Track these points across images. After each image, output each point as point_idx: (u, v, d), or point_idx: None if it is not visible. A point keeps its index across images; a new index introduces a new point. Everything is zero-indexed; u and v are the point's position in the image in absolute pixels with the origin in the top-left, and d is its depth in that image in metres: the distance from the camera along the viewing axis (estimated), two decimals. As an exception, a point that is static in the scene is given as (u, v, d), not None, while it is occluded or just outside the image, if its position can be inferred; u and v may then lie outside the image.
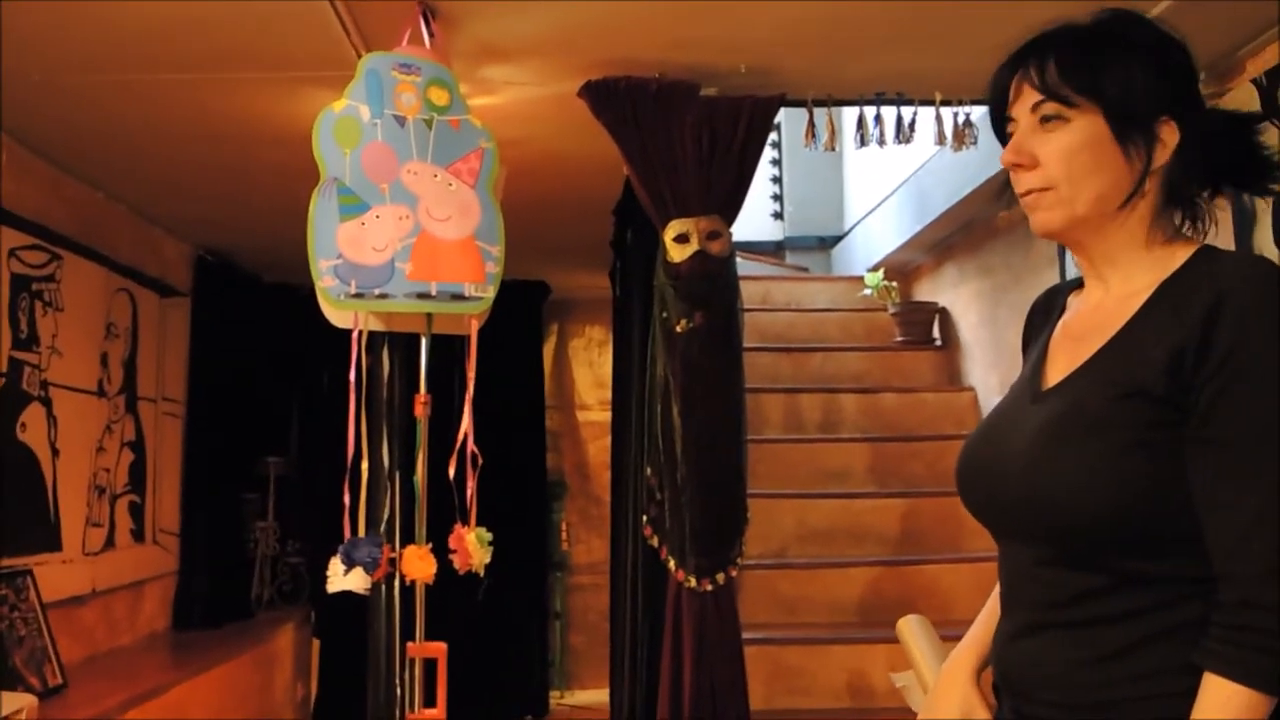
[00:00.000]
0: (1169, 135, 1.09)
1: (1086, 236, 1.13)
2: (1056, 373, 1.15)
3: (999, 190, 1.23)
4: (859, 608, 3.49)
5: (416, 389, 2.21)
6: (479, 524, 2.14)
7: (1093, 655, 1.05)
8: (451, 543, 2.07)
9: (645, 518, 2.80)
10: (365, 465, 2.05)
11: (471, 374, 2.12)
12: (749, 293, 4.66)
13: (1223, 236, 2.65)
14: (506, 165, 2.25)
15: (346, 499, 2.04)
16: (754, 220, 6.09)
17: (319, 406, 4.75)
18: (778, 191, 6.47)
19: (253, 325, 4.55)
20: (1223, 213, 2.67)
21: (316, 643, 4.92)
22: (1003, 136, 1.19)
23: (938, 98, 2.75)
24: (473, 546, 2.05)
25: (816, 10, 2.33)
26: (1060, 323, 1.22)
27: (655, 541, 2.74)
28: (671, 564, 2.66)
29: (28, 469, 3.09)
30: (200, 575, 4.16)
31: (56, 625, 3.06)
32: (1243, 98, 2.53)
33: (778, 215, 6.47)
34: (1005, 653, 1.16)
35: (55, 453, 3.21)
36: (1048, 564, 1.09)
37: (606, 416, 4.51)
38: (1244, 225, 2.55)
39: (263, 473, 4.76)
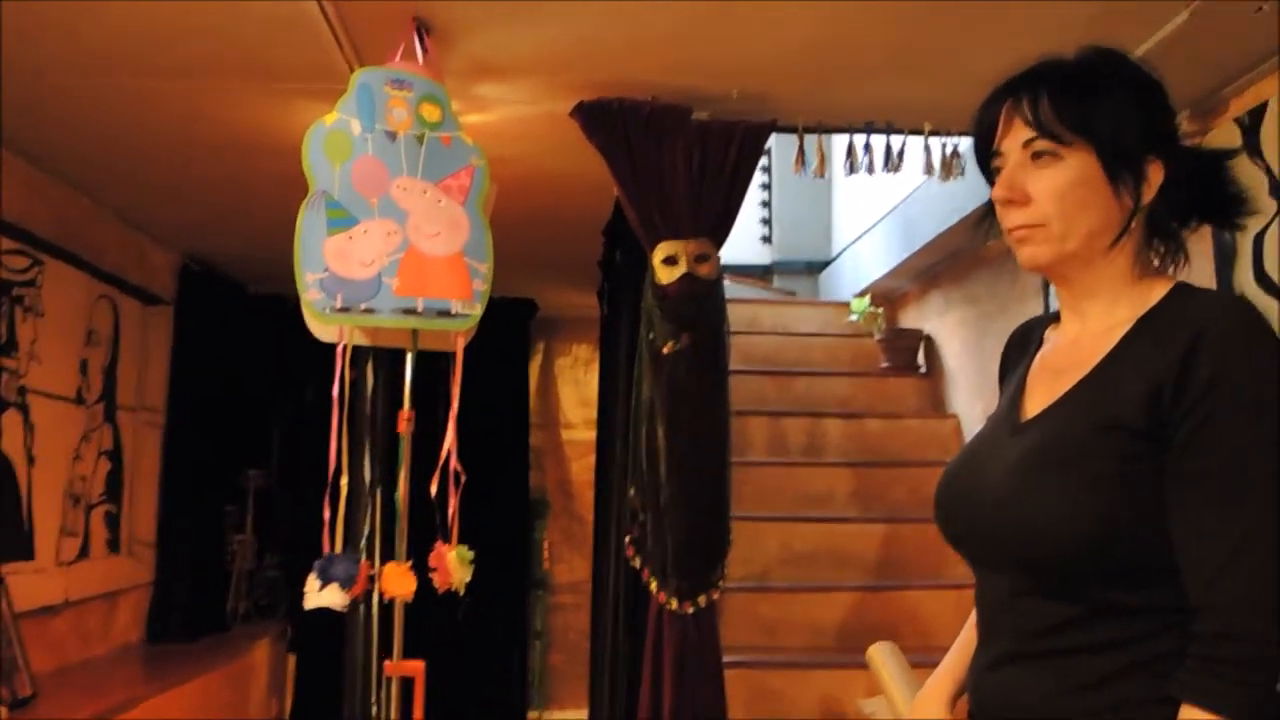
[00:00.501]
0: (1155, 173, 1.11)
1: (1073, 271, 1.14)
2: (1035, 405, 1.16)
3: (977, 220, 1.25)
4: (840, 632, 3.48)
5: (401, 405, 2.20)
6: (460, 542, 2.13)
7: (1071, 685, 1.06)
8: (432, 561, 2.05)
9: (628, 538, 2.79)
10: (345, 481, 2.03)
11: (456, 390, 2.11)
12: (736, 315, 4.67)
13: (1203, 273, 2.68)
14: (497, 183, 2.25)
15: (327, 514, 2.02)
16: (743, 243, 6.12)
17: (302, 419, 4.72)
18: (767, 215, 6.50)
19: (236, 336, 4.52)
20: (1203, 244, 2.70)
21: (292, 658, 4.87)
22: (987, 169, 1.20)
23: (927, 128, 2.77)
24: (453, 565, 2.04)
25: (809, 38, 2.35)
26: (1038, 356, 1.23)
27: (637, 563, 2.73)
28: (653, 585, 2.65)
29: (2, 476, 3.06)
30: (176, 587, 4.11)
31: (28, 635, 3.02)
32: (1225, 136, 2.56)
33: (766, 239, 6.50)
34: (982, 682, 1.17)
35: (31, 460, 3.18)
36: (1026, 594, 1.10)
37: (591, 435, 4.50)
38: (1224, 262, 2.57)
39: (243, 485, 4.72)
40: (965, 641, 1.28)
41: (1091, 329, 1.14)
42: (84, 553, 3.53)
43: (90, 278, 3.54)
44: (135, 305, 3.89)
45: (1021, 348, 1.28)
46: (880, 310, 4.90)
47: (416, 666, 2.12)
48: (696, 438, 2.66)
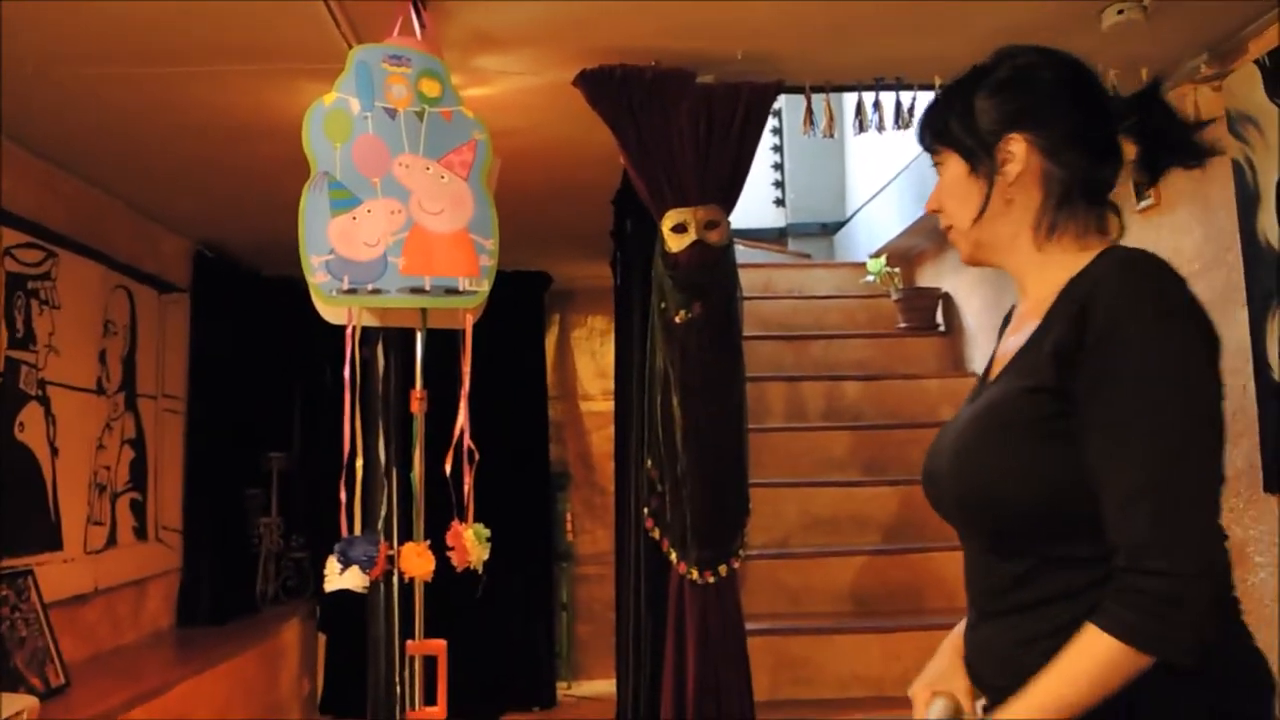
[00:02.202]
0: (1016, 147, 1.20)
1: (993, 256, 1.27)
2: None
3: None
4: (864, 596, 3.47)
5: (414, 384, 2.19)
6: (480, 518, 2.12)
7: (1029, 637, 1.12)
8: (449, 540, 2.05)
9: (646, 510, 2.78)
10: (360, 463, 2.02)
11: (467, 368, 2.09)
12: (751, 280, 4.61)
13: (1226, 219, 2.62)
14: (502, 155, 2.22)
15: (343, 496, 2.02)
16: (756, 207, 6.06)
17: (321, 401, 4.73)
18: (779, 178, 6.43)
19: (253, 320, 4.53)
20: (1225, 191, 2.63)
21: (322, 637, 4.92)
22: None
23: (937, 82, 2.71)
24: (470, 543, 2.03)
25: (813, -5, 2.30)
26: (1005, 331, 1.33)
27: (657, 534, 2.73)
28: (673, 556, 2.65)
29: (27, 469, 3.08)
30: (204, 571, 4.15)
31: (59, 625, 3.05)
32: (1245, 78, 2.49)
33: (779, 202, 6.43)
34: (967, 641, 1.25)
35: (54, 452, 3.20)
36: (985, 554, 1.19)
37: (609, 406, 4.49)
38: (1247, 207, 2.52)
39: (266, 468, 4.75)
40: None
41: (1031, 300, 1.22)
42: (112, 541, 3.57)
43: (105, 268, 3.54)
44: (151, 294, 3.90)
45: (1006, 322, 1.37)
46: (897, 270, 4.85)
47: (438, 645, 2.12)
48: (712, 406, 2.64)
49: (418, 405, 2.11)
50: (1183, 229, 2.89)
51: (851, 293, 5.16)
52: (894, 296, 4.83)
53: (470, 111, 2.08)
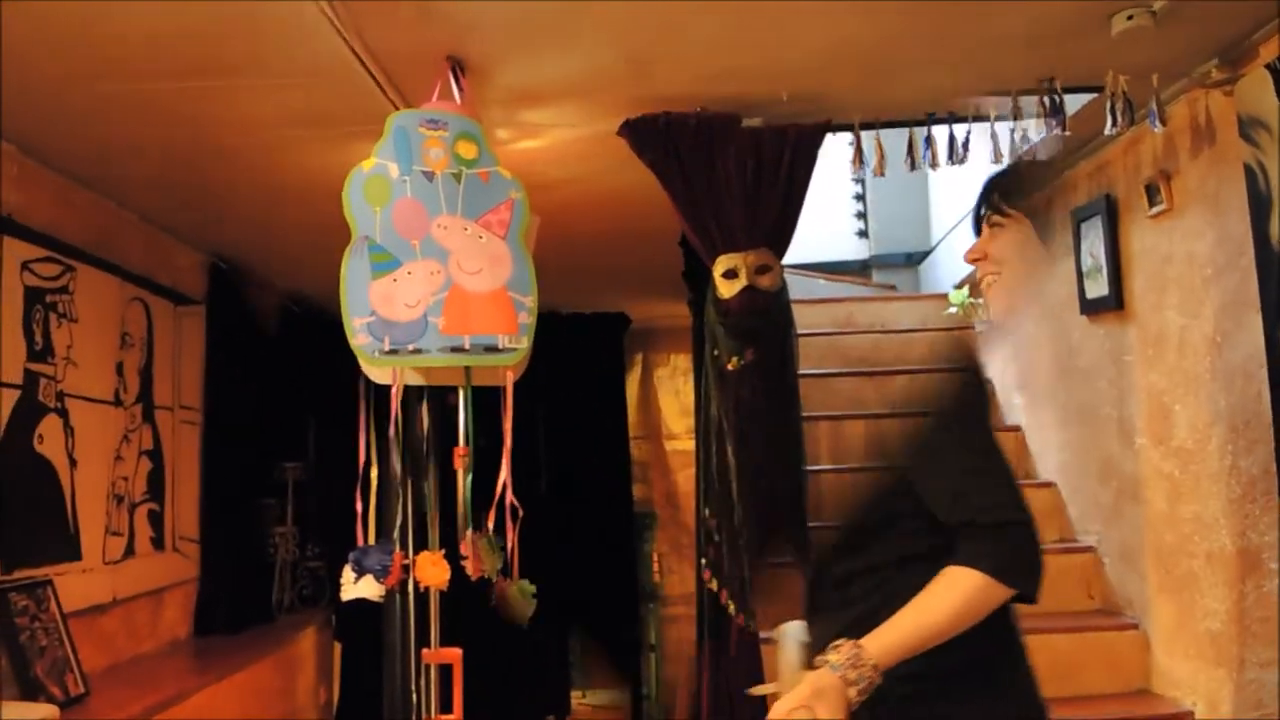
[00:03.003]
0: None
1: (1013, 321, 1.89)
2: None
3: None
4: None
5: (467, 434, 2.51)
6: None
7: (847, 626, 1.57)
8: (462, 549, 2.34)
9: (704, 560, 3.02)
10: (375, 473, 2.31)
11: (508, 425, 2.39)
12: (833, 315, 4.85)
13: (1239, 221, 2.85)
14: (562, 203, 2.46)
15: (359, 506, 2.32)
16: (838, 240, 6.47)
17: (336, 411, 5.14)
18: (862, 209, 6.77)
19: (268, 332, 4.96)
20: (1238, 198, 2.93)
21: (338, 646, 5.41)
22: None
23: (992, 114, 2.95)
24: (484, 553, 2.33)
25: (854, 33, 2.54)
26: None
27: (715, 585, 2.98)
28: (731, 608, 2.90)
29: (46, 480, 3.45)
30: (221, 581, 4.58)
31: (78, 634, 3.42)
32: (1256, 83, 2.69)
33: (862, 233, 6.78)
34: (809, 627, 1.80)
35: (73, 463, 3.57)
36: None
37: (694, 445, 4.83)
38: (1260, 213, 2.72)
39: (281, 478, 5.21)
40: None
41: None
42: (129, 551, 3.98)
43: (122, 281, 3.94)
44: (167, 306, 4.32)
45: None
46: (981, 300, 5.07)
47: (454, 654, 2.41)
48: (766, 455, 2.89)
49: (460, 461, 2.42)
50: (1195, 234, 3.12)
51: (935, 325, 5.37)
52: (978, 329, 5.02)
53: (507, 172, 2.43)
